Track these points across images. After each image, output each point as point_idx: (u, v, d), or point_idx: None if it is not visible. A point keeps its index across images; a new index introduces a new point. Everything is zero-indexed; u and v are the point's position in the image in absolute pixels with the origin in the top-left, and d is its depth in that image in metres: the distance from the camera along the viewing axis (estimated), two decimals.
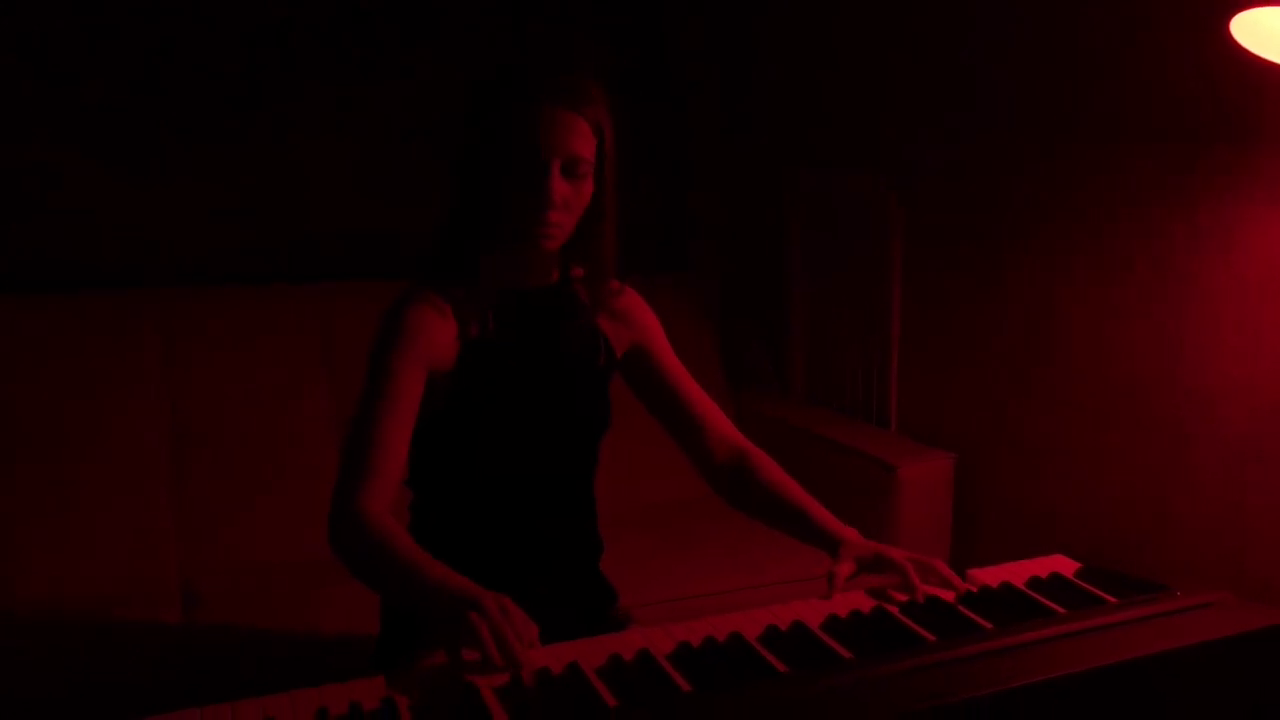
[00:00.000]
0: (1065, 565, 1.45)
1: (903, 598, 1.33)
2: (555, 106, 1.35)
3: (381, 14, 2.75)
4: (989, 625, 1.25)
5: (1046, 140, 2.23)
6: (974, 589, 1.35)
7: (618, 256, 1.53)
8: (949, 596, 1.34)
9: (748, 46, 3.06)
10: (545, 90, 1.35)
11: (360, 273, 2.67)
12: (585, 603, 1.62)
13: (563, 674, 1.12)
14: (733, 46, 3.10)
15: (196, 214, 2.61)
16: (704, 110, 3.14)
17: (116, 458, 2.26)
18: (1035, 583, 1.38)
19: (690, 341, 2.85)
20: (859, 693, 1.08)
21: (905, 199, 2.60)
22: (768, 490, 1.56)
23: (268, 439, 2.40)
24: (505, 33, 2.86)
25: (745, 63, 3.07)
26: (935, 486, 2.46)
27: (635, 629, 1.37)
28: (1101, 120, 2.12)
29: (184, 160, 2.59)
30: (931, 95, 2.49)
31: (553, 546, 1.56)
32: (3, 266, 2.44)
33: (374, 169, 2.77)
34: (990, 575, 1.40)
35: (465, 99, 1.44)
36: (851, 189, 2.75)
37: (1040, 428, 2.32)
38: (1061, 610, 1.29)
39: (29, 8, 2.42)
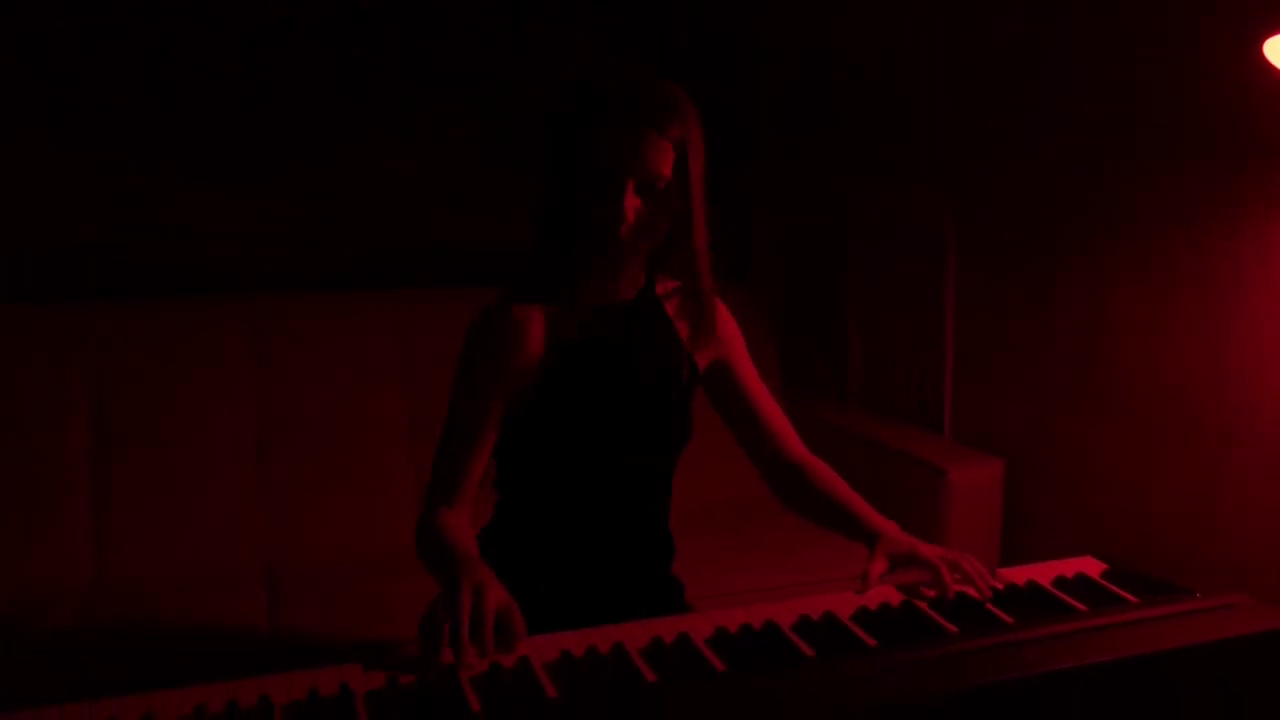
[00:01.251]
0: (1093, 566, 1.51)
1: (933, 593, 1.40)
2: (630, 125, 1.37)
3: (461, 32, 2.89)
4: (1010, 620, 1.33)
5: (1095, 157, 2.28)
6: (1000, 587, 1.42)
7: (710, 270, 1.54)
8: (979, 594, 1.40)
9: (810, 61, 3.14)
10: (621, 109, 1.37)
11: (436, 281, 2.82)
12: (655, 602, 1.65)
13: (609, 652, 1.23)
14: (795, 61, 3.18)
15: (285, 225, 2.78)
16: (766, 123, 3.23)
17: (208, 450, 2.43)
18: (1061, 582, 1.45)
19: (750, 350, 2.96)
20: (880, 677, 1.17)
21: (959, 212, 2.66)
22: (818, 492, 1.60)
23: (346, 436, 2.54)
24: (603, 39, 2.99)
25: (807, 76, 3.15)
26: (985, 491, 2.52)
27: (678, 615, 1.45)
28: (1149, 137, 2.16)
29: (275, 175, 2.77)
30: (986, 112, 2.55)
31: (627, 551, 1.62)
32: (113, 273, 2.64)
33: (449, 182, 2.91)
34: (1018, 574, 1.47)
35: (547, 118, 1.50)
36: (907, 202, 2.81)
37: (1089, 435, 2.37)
38: (1083, 608, 1.36)
39: (145, 37, 2.62)
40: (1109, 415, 2.32)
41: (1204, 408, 2.11)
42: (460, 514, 1.48)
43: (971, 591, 1.40)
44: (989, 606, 1.37)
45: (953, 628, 1.30)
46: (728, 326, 1.66)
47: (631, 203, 1.39)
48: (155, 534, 2.35)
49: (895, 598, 1.40)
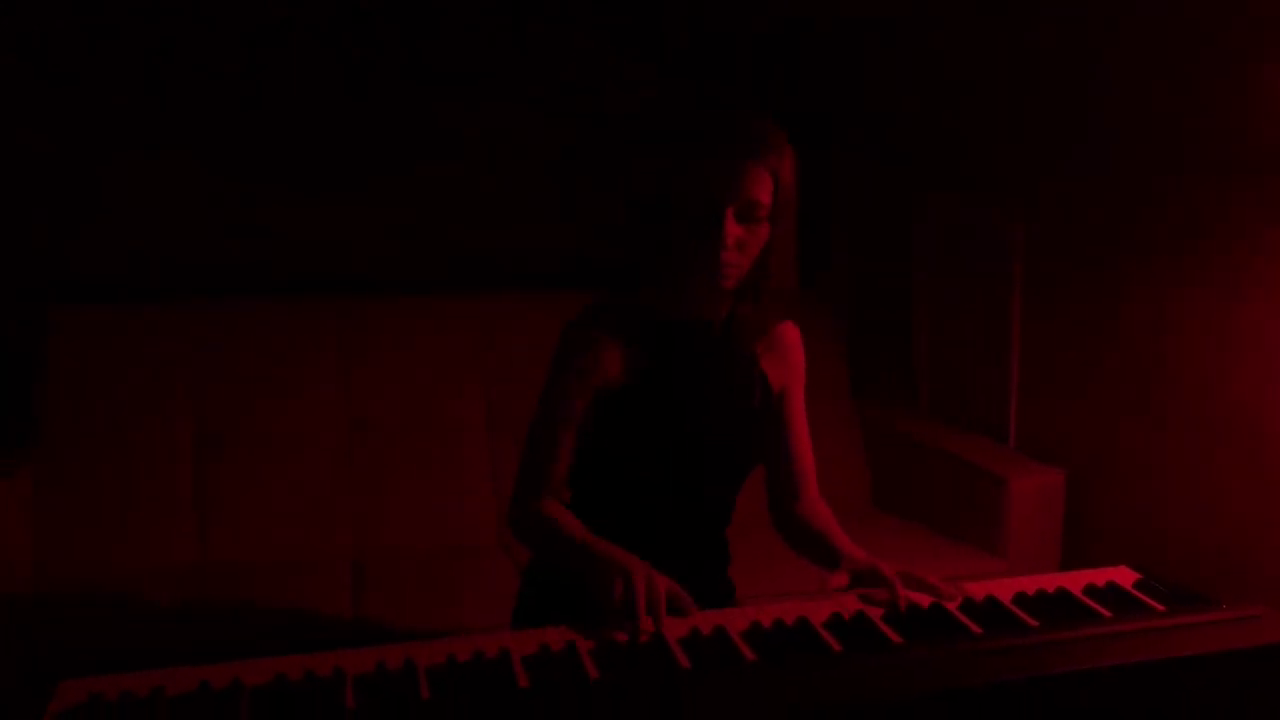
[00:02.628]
0: (1126, 576, 1.56)
1: (952, 599, 1.47)
2: (730, 157, 1.45)
3: (543, 52, 3.04)
4: (1034, 623, 1.39)
5: (1162, 172, 2.30)
6: (958, 599, 1.47)
7: (777, 293, 1.62)
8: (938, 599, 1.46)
9: (884, 76, 3.19)
10: (721, 141, 1.46)
11: (512, 285, 2.95)
12: (708, 604, 1.78)
13: (648, 641, 1.33)
14: (869, 75, 3.23)
15: (372, 232, 2.96)
16: (841, 134, 3.29)
17: (299, 443, 2.62)
18: (1091, 589, 1.51)
19: (819, 355, 3.02)
20: (901, 671, 1.25)
21: (1027, 223, 2.69)
22: (811, 533, 1.70)
23: (428, 432, 2.70)
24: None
25: (880, 90, 3.20)
26: (1045, 500, 2.55)
27: (716, 611, 1.51)
28: (1213, 150, 2.18)
29: (362, 185, 2.95)
30: (1053, 125, 2.58)
31: (687, 559, 1.68)
32: (215, 277, 2.84)
33: (523, 192, 3.06)
34: (1049, 581, 1.53)
35: (645, 150, 1.60)
36: (976, 213, 2.85)
37: (1152, 447, 2.39)
38: (1107, 614, 1.42)
39: (244, 58, 2.83)
40: (1172, 427, 2.34)
41: (1268, 420, 2.12)
42: (559, 504, 1.61)
43: (923, 597, 1.47)
44: (1015, 610, 1.43)
45: (977, 628, 1.37)
46: (797, 356, 1.73)
47: (732, 230, 1.47)
48: (250, 520, 2.53)
49: (925, 601, 1.46)
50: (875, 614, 1.42)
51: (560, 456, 1.61)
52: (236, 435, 2.59)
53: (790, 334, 1.73)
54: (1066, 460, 2.61)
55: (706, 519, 1.73)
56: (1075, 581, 1.53)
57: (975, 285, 2.89)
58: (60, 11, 2.68)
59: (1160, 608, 1.45)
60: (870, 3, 3.08)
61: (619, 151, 2.97)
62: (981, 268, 2.85)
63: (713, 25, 3.21)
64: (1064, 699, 1.25)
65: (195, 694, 1.18)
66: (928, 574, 1.50)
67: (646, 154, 1.56)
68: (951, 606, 1.45)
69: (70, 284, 2.71)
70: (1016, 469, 2.58)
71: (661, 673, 1.26)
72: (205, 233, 2.84)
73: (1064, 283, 2.61)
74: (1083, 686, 1.24)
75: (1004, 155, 2.76)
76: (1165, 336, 2.34)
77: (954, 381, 3.02)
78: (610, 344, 1.59)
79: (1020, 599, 1.47)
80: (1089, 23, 2.46)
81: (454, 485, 2.67)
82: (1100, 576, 1.55)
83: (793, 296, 3.12)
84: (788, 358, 1.71)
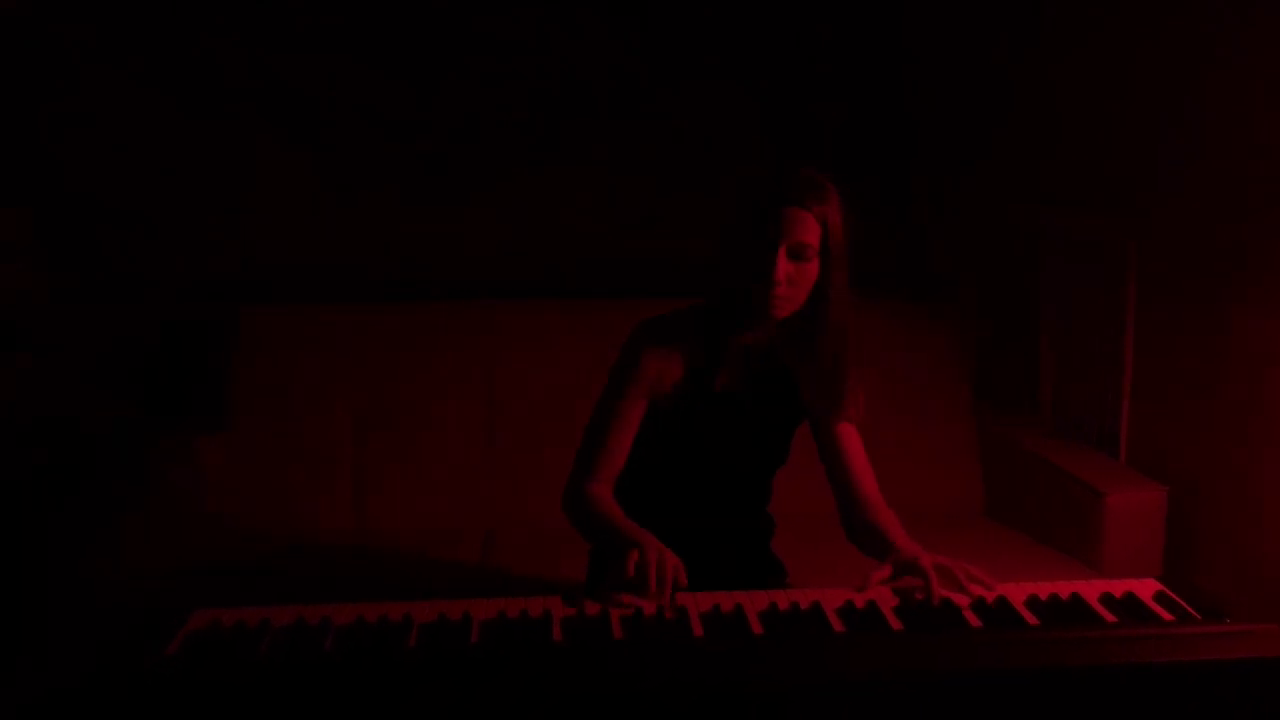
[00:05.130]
0: (1148, 587, 1.63)
1: (921, 596, 1.59)
2: (780, 203, 1.67)
3: (646, 74, 3.29)
4: (1034, 622, 1.50)
5: (1275, 192, 2.29)
6: (990, 596, 1.58)
7: (843, 341, 1.79)
8: (963, 598, 1.57)
9: (1004, 89, 3.23)
10: (780, 190, 1.68)
11: (640, 290, 3.18)
12: (755, 578, 1.97)
13: (674, 614, 1.53)
14: (988, 89, 3.28)
15: (513, 240, 3.28)
16: (966, 150, 3.35)
17: (444, 430, 2.92)
18: (1105, 597, 1.59)
19: (938, 370, 3.12)
20: (893, 653, 1.40)
21: (1143, 240, 2.70)
22: (870, 530, 1.83)
23: (559, 423, 2.93)
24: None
25: (1000, 105, 3.24)
26: (1144, 516, 2.56)
27: (742, 592, 1.65)
28: None
29: (505, 198, 3.27)
30: (1169, 141, 2.59)
31: (725, 541, 1.93)
32: (377, 280, 3.22)
33: (642, 205, 3.30)
34: (1064, 588, 1.62)
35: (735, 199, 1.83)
36: (1093, 227, 2.87)
37: (1260, 468, 2.38)
38: (1111, 620, 1.51)
39: (384, 91, 3.22)
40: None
41: None
42: (606, 489, 1.84)
43: (954, 595, 1.58)
44: (1021, 610, 1.54)
45: (976, 623, 1.50)
46: (858, 405, 1.87)
47: (784, 267, 1.68)
48: (399, 494, 2.87)
49: (935, 598, 1.59)
50: (888, 605, 1.57)
51: (609, 448, 1.84)
52: (391, 421, 2.92)
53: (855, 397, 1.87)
54: (1175, 477, 2.60)
55: (744, 506, 1.95)
56: (1093, 589, 1.62)
57: (1093, 301, 2.91)
58: (235, 58, 3.14)
59: (1168, 618, 1.53)
60: (989, 25, 3.13)
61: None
62: (1098, 284, 2.87)
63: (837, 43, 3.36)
64: (1042, 692, 1.36)
65: (293, 626, 1.46)
66: (963, 565, 1.62)
67: (735, 206, 1.78)
68: (963, 603, 1.57)
69: (257, 288, 3.13)
70: (1117, 484, 2.59)
71: (675, 638, 1.45)
72: (368, 246, 3.22)
73: (1177, 300, 2.61)
74: (1061, 682, 1.35)
75: (1118, 172, 2.77)
76: (1274, 360, 2.32)
77: (1072, 396, 3.04)
78: (666, 355, 1.82)
79: (1031, 601, 1.58)
80: (1200, 43, 2.46)
81: None
82: (1122, 587, 1.63)
83: (913, 311, 3.22)
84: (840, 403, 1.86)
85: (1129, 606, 1.57)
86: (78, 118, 3.08)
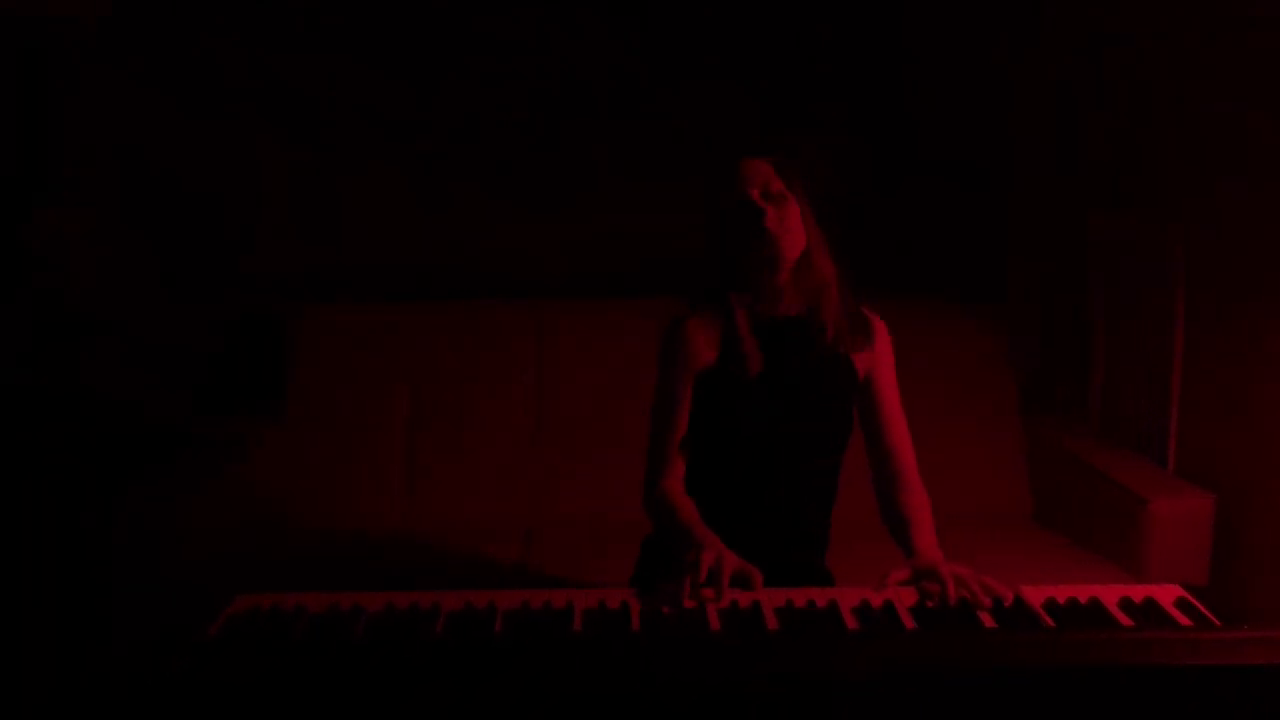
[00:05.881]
0: (1169, 593, 1.63)
1: (988, 600, 1.60)
2: (745, 155, 1.83)
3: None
4: (1050, 624, 1.52)
5: None
6: (1008, 602, 1.58)
7: (842, 286, 1.88)
8: (976, 604, 1.58)
9: (1064, 89, 3.21)
10: (730, 157, 1.84)
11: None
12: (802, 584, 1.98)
13: (693, 607, 1.57)
14: (1048, 96, 3.26)
15: (563, 243, 3.34)
16: (1016, 151, 3.32)
17: (494, 427, 3.00)
18: (1124, 602, 1.59)
19: (985, 372, 3.11)
20: (902, 649, 1.43)
21: (1193, 245, 2.67)
22: (901, 516, 1.85)
23: (606, 423, 3.00)
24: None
25: (1059, 109, 3.22)
26: (1189, 524, 2.54)
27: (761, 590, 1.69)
28: None
29: (551, 208, 3.34)
30: (1220, 146, 2.56)
31: (778, 536, 1.92)
32: (430, 279, 3.31)
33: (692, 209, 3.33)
34: (1084, 591, 1.62)
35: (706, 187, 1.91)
36: (1144, 234, 2.84)
37: None
38: (1128, 623, 1.52)
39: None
40: None
41: None
42: (679, 482, 1.91)
43: (970, 598, 1.59)
44: (1038, 611, 1.55)
45: (990, 624, 1.52)
46: (883, 344, 1.95)
47: (765, 206, 1.79)
48: (447, 488, 2.95)
49: (955, 598, 1.60)
50: (905, 604, 1.59)
51: (673, 431, 1.90)
52: (442, 416, 3.01)
53: (876, 325, 1.95)
54: (1224, 484, 2.57)
55: (802, 497, 1.94)
56: (1113, 594, 1.62)
57: (1142, 305, 2.88)
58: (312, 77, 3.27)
59: (1186, 623, 1.53)
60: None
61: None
62: (1148, 287, 2.84)
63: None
64: (1049, 689, 1.38)
65: (326, 612, 1.54)
66: (978, 575, 1.63)
67: (706, 190, 1.87)
68: (980, 605, 1.59)
69: (317, 287, 3.24)
70: (1161, 491, 2.57)
71: (691, 631, 1.50)
72: (422, 247, 3.31)
73: (1227, 304, 2.58)
74: (1058, 684, 1.37)
75: (1168, 175, 2.74)
76: None
77: (1122, 400, 3.01)
78: (703, 334, 1.88)
79: (1049, 604, 1.59)
80: (1253, 46, 2.43)
81: (625, 474, 2.95)
82: (1142, 592, 1.63)
83: (961, 313, 3.21)
84: (873, 346, 1.93)
85: (1147, 611, 1.57)
86: (103, 116, 3.20)
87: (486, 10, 3.27)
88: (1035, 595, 1.61)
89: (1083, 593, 1.62)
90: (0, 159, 3.03)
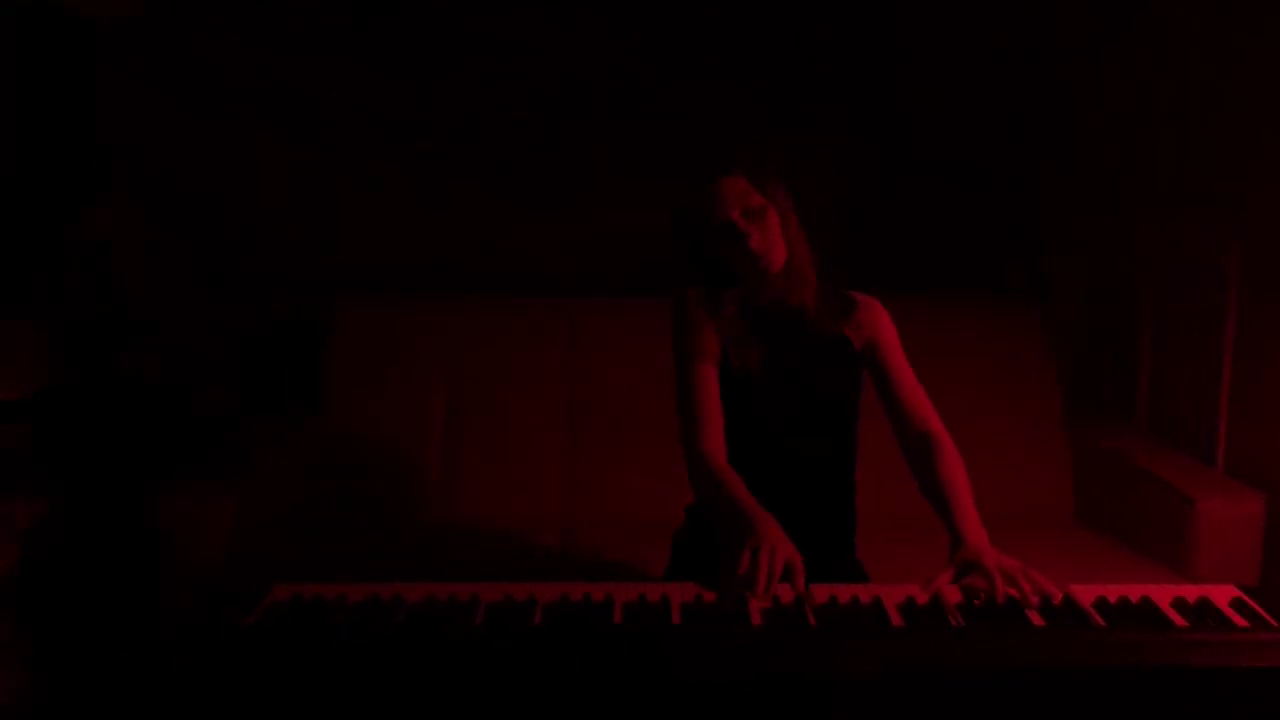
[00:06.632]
0: (1225, 594, 1.59)
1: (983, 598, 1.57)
2: (717, 176, 1.86)
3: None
4: (1102, 623, 1.48)
5: None
6: (1057, 600, 1.55)
7: (819, 269, 1.93)
8: (1024, 601, 1.54)
9: (1113, 93, 3.15)
10: (702, 182, 1.87)
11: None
12: (836, 577, 1.96)
13: (729, 606, 1.55)
14: (1098, 93, 3.20)
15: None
16: (1064, 149, 3.27)
17: (529, 423, 2.98)
18: (1178, 602, 1.55)
19: (1027, 372, 3.07)
20: (950, 648, 1.41)
21: (1246, 244, 2.61)
22: (934, 473, 1.83)
23: (640, 420, 2.98)
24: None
25: (1107, 105, 3.17)
26: (1239, 525, 2.48)
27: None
28: None
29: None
30: (1272, 143, 2.50)
31: (806, 518, 1.85)
32: (466, 275, 3.32)
33: None
34: (1135, 590, 1.59)
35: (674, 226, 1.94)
36: (1195, 233, 2.79)
37: None
38: (1181, 624, 1.48)
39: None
40: None
41: None
42: (721, 447, 1.86)
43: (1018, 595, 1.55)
44: (1089, 610, 1.52)
45: (1040, 622, 1.48)
46: (878, 317, 1.97)
47: (747, 228, 1.83)
48: (485, 482, 2.94)
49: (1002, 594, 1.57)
50: (951, 601, 1.56)
51: (704, 406, 1.86)
52: (479, 412, 3.00)
53: (866, 303, 1.98)
54: (1273, 484, 2.51)
55: (820, 482, 1.94)
56: (1166, 593, 1.58)
57: (1192, 302, 2.82)
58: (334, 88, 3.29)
59: (1242, 624, 1.49)
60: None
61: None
62: (1198, 284, 2.78)
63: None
64: (1089, 693, 1.35)
65: (367, 602, 1.53)
66: (1026, 570, 1.60)
67: (676, 224, 1.94)
68: (1029, 603, 1.55)
69: (354, 282, 3.24)
70: (1210, 491, 2.51)
71: (731, 626, 1.48)
72: (457, 245, 3.33)
73: (1278, 304, 2.52)
74: (1110, 683, 1.34)
75: (1221, 171, 2.68)
76: None
77: (1170, 400, 2.95)
78: (704, 309, 1.90)
79: (1100, 603, 1.55)
80: None
81: (659, 470, 2.94)
82: (1196, 592, 1.59)
83: (1006, 312, 3.18)
84: (867, 321, 1.96)
85: (1202, 612, 1.53)
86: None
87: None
88: (1085, 594, 1.58)
89: (1134, 592, 1.58)
90: (46, 159, 3.05)
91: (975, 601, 1.56)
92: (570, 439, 3.00)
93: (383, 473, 2.95)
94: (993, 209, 3.44)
